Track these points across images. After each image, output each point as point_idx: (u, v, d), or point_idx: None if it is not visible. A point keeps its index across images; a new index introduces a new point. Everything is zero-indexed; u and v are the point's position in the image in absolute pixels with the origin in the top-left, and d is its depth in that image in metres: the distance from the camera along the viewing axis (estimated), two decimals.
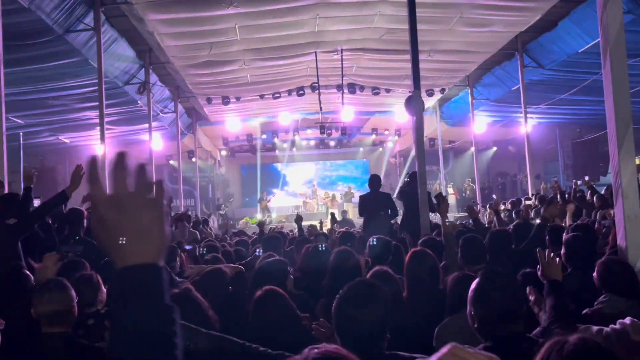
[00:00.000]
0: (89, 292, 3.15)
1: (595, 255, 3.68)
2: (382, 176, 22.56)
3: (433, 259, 3.46)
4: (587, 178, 7.99)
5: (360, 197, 7.87)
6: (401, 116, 16.80)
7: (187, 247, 5.11)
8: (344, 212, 14.60)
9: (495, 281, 1.97)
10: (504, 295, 1.93)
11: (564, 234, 3.90)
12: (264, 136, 20.95)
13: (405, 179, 7.86)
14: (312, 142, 23.06)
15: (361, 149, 24.54)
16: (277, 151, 23.37)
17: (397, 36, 10.63)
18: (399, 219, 8.14)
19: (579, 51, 10.64)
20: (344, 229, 8.46)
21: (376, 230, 5.42)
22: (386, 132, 21.56)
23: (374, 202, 7.08)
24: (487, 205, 15.09)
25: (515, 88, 13.41)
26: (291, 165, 25.08)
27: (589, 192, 8.00)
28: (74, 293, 2.84)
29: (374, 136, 21.92)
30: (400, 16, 8.91)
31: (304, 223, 10.24)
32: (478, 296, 1.98)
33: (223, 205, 22.22)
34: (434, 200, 6.39)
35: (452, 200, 20.97)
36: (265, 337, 2.20)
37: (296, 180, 25.31)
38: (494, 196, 19.16)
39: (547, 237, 4.33)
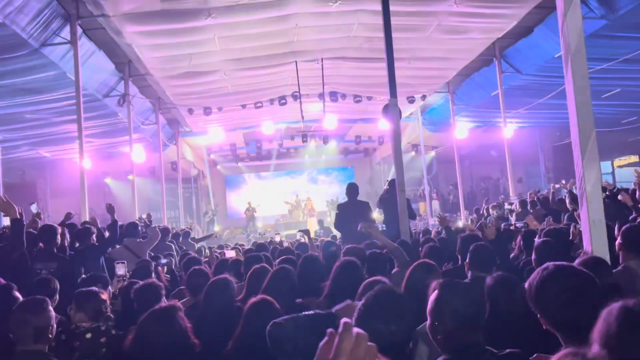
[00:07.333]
0: (93, 306, 3.25)
1: (568, 260, 3.70)
2: (367, 183, 22.72)
3: (439, 275, 3.24)
4: (563, 181, 8.05)
5: (338, 205, 7.81)
6: (384, 123, 16.83)
7: (163, 261, 5.05)
8: (320, 222, 14.61)
9: (451, 292, 1.95)
10: (460, 306, 1.91)
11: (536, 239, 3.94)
12: (248, 145, 20.96)
13: (385, 187, 7.87)
14: (297, 150, 23.10)
15: (345, 157, 24.63)
16: (261, 160, 23.39)
17: (376, 44, 10.70)
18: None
19: (555, 56, 10.78)
20: (327, 238, 8.48)
21: (354, 239, 5.40)
22: (370, 138, 21.65)
23: (352, 211, 7.04)
24: (474, 210, 15.22)
25: (494, 93, 13.55)
26: (276, 174, 25.07)
27: (567, 195, 8.08)
28: (52, 313, 2.87)
29: (358, 143, 22.03)
30: (379, 24, 8.91)
31: (289, 232, 10.28)
32: (434, 307, 1.96)
33: (210, 214, 22.18)
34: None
35: (435, 205, 21.14)
36: (254, 346, 2.18)
37: (281, 189, 25.26)
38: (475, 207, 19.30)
39: (521, 242, 4.38)
